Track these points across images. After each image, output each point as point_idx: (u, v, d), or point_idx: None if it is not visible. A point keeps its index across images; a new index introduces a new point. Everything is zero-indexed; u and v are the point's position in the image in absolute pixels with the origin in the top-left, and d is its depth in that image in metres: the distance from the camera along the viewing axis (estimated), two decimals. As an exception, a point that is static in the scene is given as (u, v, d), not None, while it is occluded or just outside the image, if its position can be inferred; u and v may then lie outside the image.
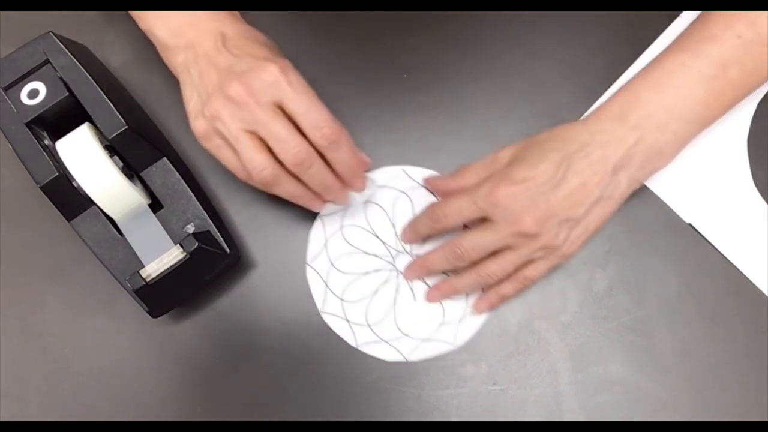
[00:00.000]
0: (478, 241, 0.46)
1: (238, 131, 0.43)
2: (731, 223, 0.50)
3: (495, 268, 0.47)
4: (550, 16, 0.54)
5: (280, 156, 0.43)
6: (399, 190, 0.52)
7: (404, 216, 0.52)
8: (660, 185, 0.50)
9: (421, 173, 0.52)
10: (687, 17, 0.53)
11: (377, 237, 0.52)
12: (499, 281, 0.48)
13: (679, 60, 0.46)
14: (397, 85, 0.54)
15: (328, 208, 0.52)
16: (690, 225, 0.50)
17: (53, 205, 0.47)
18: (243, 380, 0.49)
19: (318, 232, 0.52)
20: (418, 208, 0.52)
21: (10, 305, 0.52)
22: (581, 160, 0.45)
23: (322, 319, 0.50)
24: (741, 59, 0.45)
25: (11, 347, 0.51)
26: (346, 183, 0.47)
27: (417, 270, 0.50)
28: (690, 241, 0.50)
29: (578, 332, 0.49)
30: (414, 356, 0.49)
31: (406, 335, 0.50)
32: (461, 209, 0.47)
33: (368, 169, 0.52)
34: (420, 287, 0.51)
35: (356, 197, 0.52)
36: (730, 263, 0.49)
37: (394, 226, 0.52)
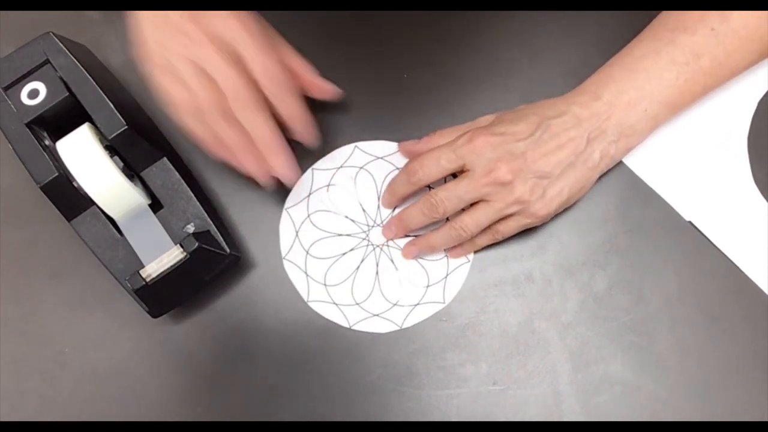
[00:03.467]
0: (453, 190, 0.47)
1: (184, 59, 0.42)
2: (731, 221, 0.50)
3: (469, 220, 0.47)
4: (550, 16, 0.54)
5: (223, 88, 0.42)
6: (357, 166, 0.52)
7: (367, 191, 0.52)
8: (660, 182, 0.51)
9: (375, 146, 0.53)
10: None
11: (346, 217, 0.52)
12: (473, 236, 0.48)
13: (653, 47, 0.48)
14: (397, 85, 0.54)
15: (291, 199, 0.52)
16: (690, 223, 0.50)
17: (53, 205, 0.47)
18: (243, 380, 0.49)
19: (286, 225, 0.52)
20: (380, 180, 0.52)
21: (10, 305, 0.51)
22: (558, 125, 0.46)
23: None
24: (713, 49, 0.47)
25: (11, 347, 0.51)
26: (292, 130, 0.46)
27: (393, 227, 0.51)
28: (690, 241, 0.50)
29: (578, 332, 0.49)
30: (408, 323, 0.50)
31: (395, 305, 0.50)
32: (439, 158, 0.47)
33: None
34: (399, 256, 0.51)
35: (319, 180, 0.52)
36: (731, 262, 0.49)
37: (360, 203, 0.52)
